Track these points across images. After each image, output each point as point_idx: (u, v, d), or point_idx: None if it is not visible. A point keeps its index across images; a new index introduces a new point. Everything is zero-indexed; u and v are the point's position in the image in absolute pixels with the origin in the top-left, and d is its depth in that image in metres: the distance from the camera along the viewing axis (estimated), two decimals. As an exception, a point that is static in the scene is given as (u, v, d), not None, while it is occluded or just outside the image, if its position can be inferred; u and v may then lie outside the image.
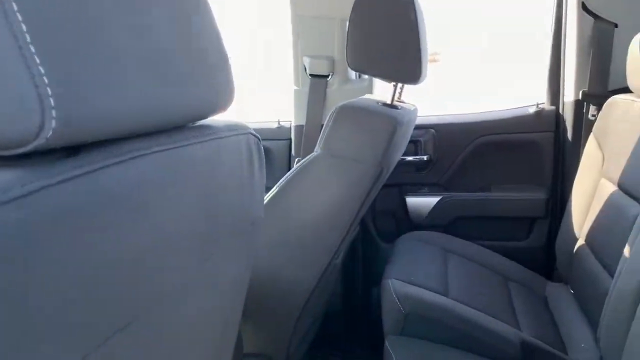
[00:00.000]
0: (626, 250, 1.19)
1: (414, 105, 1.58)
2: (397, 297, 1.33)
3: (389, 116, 1.26)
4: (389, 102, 1.35)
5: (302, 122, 1.94)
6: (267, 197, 1.30)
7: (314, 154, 1.28)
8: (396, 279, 1.42)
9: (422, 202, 1.97)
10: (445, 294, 1.41)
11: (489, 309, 1.39)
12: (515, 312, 1.48)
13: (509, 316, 1.43)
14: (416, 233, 1.84)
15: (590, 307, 1.43)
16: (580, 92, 1.72)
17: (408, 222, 2.00)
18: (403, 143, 1.51)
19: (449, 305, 1.33)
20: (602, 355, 1.16)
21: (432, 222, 1.96)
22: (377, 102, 1.35)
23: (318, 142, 1.28)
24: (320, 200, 1.27)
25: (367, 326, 2.00)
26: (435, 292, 1.39)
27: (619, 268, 1.20)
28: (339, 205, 1.27)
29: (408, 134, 1.53)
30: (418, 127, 1.96)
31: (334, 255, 1.32)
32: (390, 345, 1.27)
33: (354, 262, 2.05)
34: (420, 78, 1.29)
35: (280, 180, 1.30)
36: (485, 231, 1.95)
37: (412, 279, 1.43)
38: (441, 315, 1.30)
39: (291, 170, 1.30)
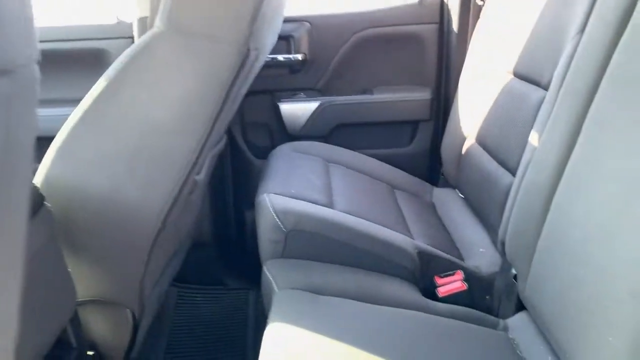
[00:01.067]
0: (533, 139, 1.04)
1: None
2: (275, 213, 1.08)
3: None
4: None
5: (147, 13, 1.54)
6: (94, 94, 0.95)
7: (153, 29, 0.94)
8: (274, 193, 1.17)
9: (298, 110, 1.72)
10: (330, 206, 1.20)
11: (379, 220, 1.20)
12: (405, 220, 1.31)
13: (401, 226, 1.26)
14: (293, 144, 1.59)
15: (485, 209, 1.30)
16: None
17: (283, 134, 1.74)
18: (275, 19, 1.20)
19: (336, 218, 1.12)
20: (509, 259, 1.03)
21: (311, 131, 1.72)
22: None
23: (159, 13, 0.94)
24: (168, 93, 0.95)
25: (242, 255, 1.76)
26: (319, 204, 1.17)
27: (523, 160, 1.05)
28: (193, 101, 0.96)
29: (280, 7, 1.23)
30: (289, 20, 1.67)
31: (193, 167, 1.02)
32: (270, 270, 1.04)
33: (222, 182, 1.76)
34: None
35: (109, 69, 0.95)
36: (369, 139, 1.76)
37: (293, 192, 1.19)
38: (329, 230, 1.08)
39: (123, 55, 0.95)
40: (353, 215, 1.17)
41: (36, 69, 0.43)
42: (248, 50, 0.97)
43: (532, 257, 0.93)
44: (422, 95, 1.73)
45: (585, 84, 0.87)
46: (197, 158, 1.01)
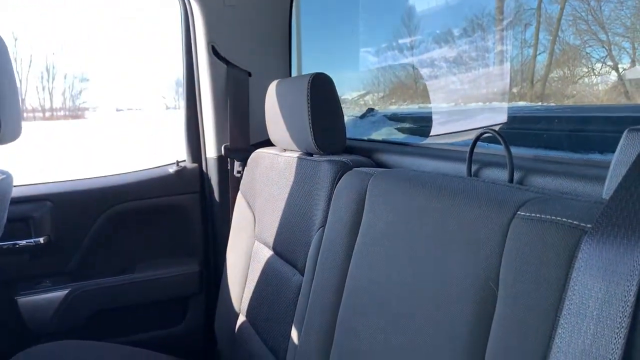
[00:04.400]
0: (294, 334, 0.99)
1: (5, 173, 1.09)
2: None
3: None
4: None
5: None
6: None
7: None
8: None
9: (42, 302, 1.45)
10: None
11: None
12: None
13: None
14: (37, 348, 1.29)
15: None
16: (223, 147, 1.54)
17: (25, 334, 1.43)
18: None
19: None
20: None
21: (61, 326, 1.45)
22: None
23: None
24: None
25: None
26: None
27: (290, 351, 0.99)
28: None
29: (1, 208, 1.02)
30: (27, 200, 1.45)
31: None
32: None
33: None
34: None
35: None
36: (136, 322, 1.55)
37: None
38: None
39: None
40: None
41: None
42: None
43: None
44: (190, 268, 1.61)
45: (333, 281, 0.87)
46: None
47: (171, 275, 1.59)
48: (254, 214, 1.41)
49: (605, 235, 0.43)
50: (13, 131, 0.85)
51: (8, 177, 1.10)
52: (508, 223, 0.53)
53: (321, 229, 0.98)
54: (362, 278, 0.79)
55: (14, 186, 1.07)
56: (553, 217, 0.49)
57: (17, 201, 1.42)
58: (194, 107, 1.60)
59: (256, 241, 1.37)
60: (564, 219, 0.48)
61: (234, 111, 1.52)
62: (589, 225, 0.46)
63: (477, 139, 0.83)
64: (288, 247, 1.18)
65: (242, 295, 1.38)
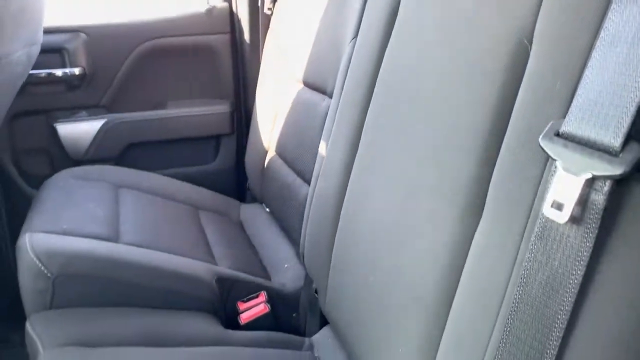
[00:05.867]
0: (322, 149, 1.02)
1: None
2: (37, 256, 0.90)
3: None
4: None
5: None
6: None
7: None
8: (38, 231, 0.97)
9: (79, 130, 1.51)
10: (115, 239, 1.04)
11: (176, 248, 1.08)
12: (209, 244, 1.21)
13: (202, 251, 1.15)
14: (74, 169, 1.37)
15: (288, 222, 1.26)
16: (252, -17, 1.50)
17: (65, 159, 1.52)
18: (23, 25, 1.01)
19: (117, 255, 0.97)
20: (309, 272, 0.99)
21: (97, 154, 1.53)
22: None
23: None
24: None
25: (10, 302, 1.48)
26: (99, 239, 1.01)
27: (315, 170, 1.02)
28: None
29: (28, 13, 1.03)
30: (61, 31, 1.47)
31: None
32: (34, 326, 0.85)
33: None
34: None
35: None
36: (167, 158, 1.62)
37: (65, 228, 1.01)
38: (107, 270, 0.93)
39: None
40: (143, 247, 1.04)
41: None
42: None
43: (329, 268, 0.90)
44: (221, 108, 1.64)
45: (361, 90, 0.87)
46: None
47: (203, 114, 1.63)
48: (283, 50, 1.40)
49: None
50: None
51: None
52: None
53: (353, 40, 0.97)
54: (395, 74, 0.79)
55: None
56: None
57: (51, 31, 1.43)
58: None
59: (286, 77, 1.37)
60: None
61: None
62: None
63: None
64: (318, 74, 1.18)
65: (272, 132, 1.41)
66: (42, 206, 1.12)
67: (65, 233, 0.99)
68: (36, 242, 0.93)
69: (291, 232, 1.24)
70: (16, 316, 1.50)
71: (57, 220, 1.04)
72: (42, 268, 0.89)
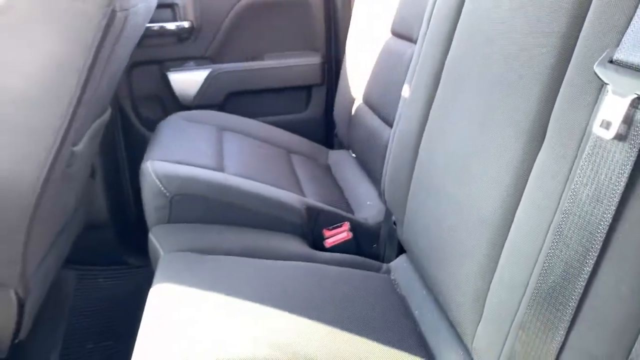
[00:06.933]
0: (404, 92, 1.09)
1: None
2: (158, 178, 1.07)
3: None
4: None
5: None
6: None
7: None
8: (158, 159, 1.15)
9: (188, 79, 1.68)
10: (220, 170, 1.20)
11: (271, 181, 1.22)
12: (299, 182, 1.34)
13: (294, 186, 1.28)
14: (184, 113, 1.56)
15: (371, 164, 1.36)
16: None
17: (175, 105, 1.70)
18: None
19: (223, 180, 1.12)
20: (389, 206, 1.08)
21: (203, 100, 1.70)
22: None
23: None
24: (23, 60, 0.90)
25: (142, 231, 1.72)
26: (208, 169, 1.17)
27: (398, 113, 1.11)
28: (53, 65, 0.92)
29: None
30: (171, -13, 1.63)
31: (64, 138, 0.98)
32: (155, 235, 1.03)
33: (115, 159, 1.70)
34: None
35: None
36: (264, 106, 1.76)
37: (179, 159, 1.18)
38: (215, 192, 1.09)
39: None
40: (244, 177, 1.19)
41: None
42: (114, 11, 0.93)
43: (406, 201, 0.99)
44: (313, 60, 1.75)
45: (441, 34, 0.93)
46: (68, 128, 0.97)
47: (295, 66, 1.74)
48: (374, 2, 1.46)
49: None
50: None
51: None
52: None
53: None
54: (472, 18, 0.85)
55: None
56: None
57: (163, -13, 1.60)
58: None
59: (376, 28, 1.44)
60: None
61: None
62: None
63: None
64: (405, 23, 1.24)
65: (360, 82, 1.49)
66: (159, 142, 1.30)
67: (179, 162, 1.16)
68: (157, 167, 1.10)
69: (374, 173, 1.33)
70: (139, 230, 1.76)
71: (172, 153, 1.21)
72: (162, 188, 1.06)
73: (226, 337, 0.75)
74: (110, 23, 0.94)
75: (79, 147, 1.14)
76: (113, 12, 0.93)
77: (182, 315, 0.80)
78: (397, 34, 1.30)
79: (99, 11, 0.91)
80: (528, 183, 0.66)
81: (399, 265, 1.05)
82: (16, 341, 1.12)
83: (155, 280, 0.89)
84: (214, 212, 1.08)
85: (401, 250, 1.10)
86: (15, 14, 0.88)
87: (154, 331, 0.77)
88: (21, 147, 0.93)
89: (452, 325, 0.84)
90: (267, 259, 0.99)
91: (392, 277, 1.04)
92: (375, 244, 1.19)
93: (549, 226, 0.60)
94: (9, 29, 0.88)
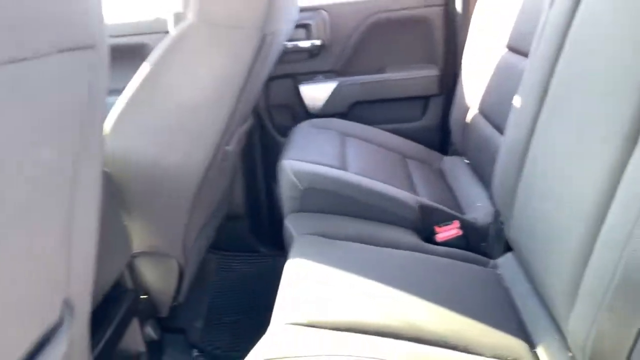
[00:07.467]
0: (515, 101, 1.18)
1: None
2: (293, 174, 1.27)
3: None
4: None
5: (180, 9, 1.74)
6: (138, 80, 1.14)
7: (185, 22, 1.13)
8: (293, 159, 1.35)
9: (317, 90, 1.89)
10: (343, 169, 1.37)
11: (388, 181, 1.37)
12: (414, 183, 1.47)
13: (408, 186, 1.42)
14: (312, 120, 1.76)
15: (484, 170, 1.45)
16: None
17: (305, 113, 1.92)
18: (288, 7, 1.38)
19: (346, 177, 1.29)
20: (498, 207, 1.18)
21: (329, 109, 1.89)
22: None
23: (189, 8, 1.13)
24: (199, 76, 1.14)
25: (272, 224, 1.95)
26: (333, 167, 1.34)
27: (508, 122, 1.20)
28: (220, 80, 1.15)
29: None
30: (307, 10, 1.84)
31: (222, 139, 1.21)
32: (290, 221, 1.22)
33: (252, 160, 1.95)
34: None
35: (149, 58, 1.14)
36: (384, 114, 1.92)
37: (310, 159, 1.37)
38: (339, 187, 1.26)
39: (160, 45, 1.14)
40: (364, 176, 1.35)
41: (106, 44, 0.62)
42: (264, 34, 1.15)
43: (514, 202, 1.08)
44: (431, 72, 1.87)
45: (551, 48, 1.01)
46: (226, 131, 1.20)
47: (414, 77, 1.88)
48: (490, 18, 1.55)
49: None
50: None
51: None
52: None
53: (549, 7, 1.10)
54: (581, 32, 0.93)
55: None
56: None
57: (299, 10, 1.81)
58: None
59: (492, 42, 1.53)
60: None
61: None
62: None
63: None
64: (521, 38, 1.33)
65: (476, 93, 1.59)
66: (293, 145, 1.50)
67: (310, 162, 1.35)
68: (292, 165, 1.30)
69: (485, 177, 1.43)
70: (270, 223, 2.00)
71: (304, 154, 1.40)
72: (296, 182, 1.25)
73: (357, 305, 0.91)
74: (262, 45, 1.15)
75: (230, 147, 1.38)
76: (264, 36, 1.15)
77: (315, 283, 0.97)
78: (512, 48, 1.38)
79: (253, 36, 1.13)
80: (620, 184, 0.74)
81: (505, 262, 1.14)
82: (175, 304, 1.38)
83: (290, 256, 1.08)
84: (337, 204, 1.25)
85: (507, 250, 1.19)
86: (192, 44, 1.13)
87: (291, 294, 0.95)
88: (193, 144, 1.17)
89: (550, 315, 0.92)
90: (381, 246, 1.13)
91: (498, 272, 1.13)
92: (484, 243, 1.28)
93: (638, 219, 0.68)
94: (188, 55, 1.13)
